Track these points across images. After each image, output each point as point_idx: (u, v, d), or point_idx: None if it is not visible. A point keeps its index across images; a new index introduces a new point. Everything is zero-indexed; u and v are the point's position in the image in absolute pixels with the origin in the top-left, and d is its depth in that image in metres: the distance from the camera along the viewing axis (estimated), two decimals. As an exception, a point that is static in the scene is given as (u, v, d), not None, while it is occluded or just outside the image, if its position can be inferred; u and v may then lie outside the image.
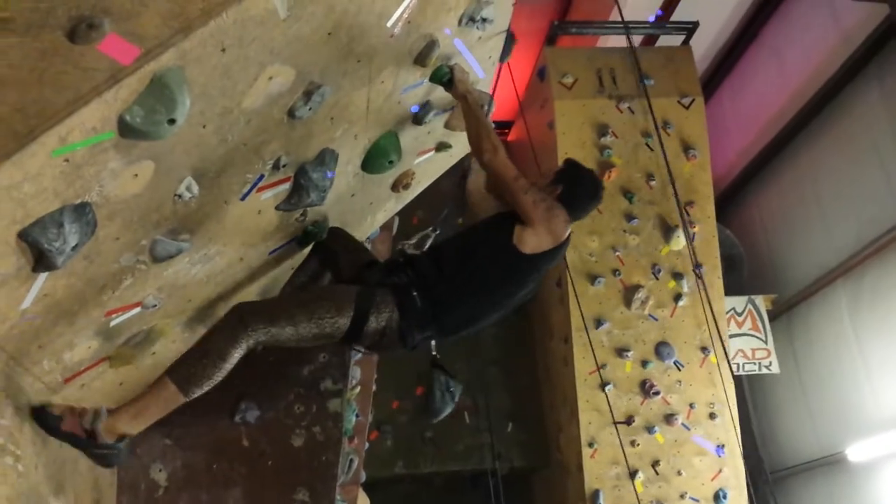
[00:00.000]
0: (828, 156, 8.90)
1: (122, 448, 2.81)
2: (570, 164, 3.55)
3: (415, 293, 3.14)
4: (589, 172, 3.53)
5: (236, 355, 2.87)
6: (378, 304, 3.08)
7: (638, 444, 7.99)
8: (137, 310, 3.01)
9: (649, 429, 8.05)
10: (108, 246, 2.50)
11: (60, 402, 2.89)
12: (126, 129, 2.13)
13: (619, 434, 7.31)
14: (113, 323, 2.94)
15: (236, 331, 2.87)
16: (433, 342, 3.31)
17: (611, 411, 7.32)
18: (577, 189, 3.42)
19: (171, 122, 2.20)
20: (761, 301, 9.55)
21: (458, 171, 6.77)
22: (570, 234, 3.38)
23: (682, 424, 8.09)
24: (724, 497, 8.05)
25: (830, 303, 8.87)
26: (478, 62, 3.57)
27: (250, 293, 3.92)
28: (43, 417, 2.73)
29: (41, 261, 2.22)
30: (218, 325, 2.96)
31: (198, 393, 2.85)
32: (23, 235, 2.12)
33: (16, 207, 2.03)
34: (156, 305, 3.08)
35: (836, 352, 8.76)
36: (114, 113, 2.07)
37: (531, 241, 3.21)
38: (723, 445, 8.11)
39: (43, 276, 2.31)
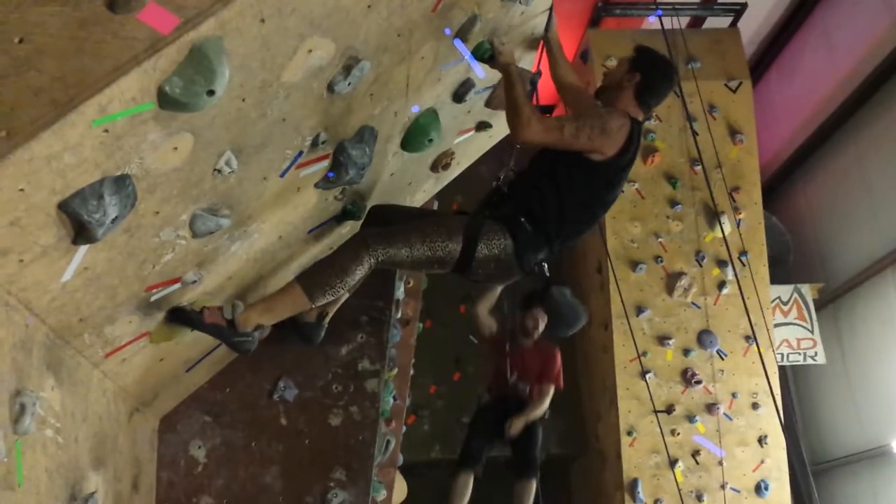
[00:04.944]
0: (878, 142, 8.67)
1: (256, 336, 3.15)
2: (643, 51, 3.58)
3: (523, 219, 3.29)
4: (662, 56, 3.61)
5: (358, 272, 3.12)
6: (487, 233, 3.24)
7: (678, 434, 7.90)
8: (177, 285, 3.01)
9: (690, 418, 7.95)
10: (149, 220, 2.50)
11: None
12: (165, 100, 2.11)
13: (659, 423, 7.21)
14: (153, 298, 2.95)
15: (359, 249, 3.12)
16: (545, 265, 3.47)
17: (651, 400, 7.23)
18: (655, 75, 3.50)
19: (211, 93, 2.18)
20: (808, 290, 9.36)
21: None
22: (641, 121, 3.47)
23: (724, 414, 7.97)
24: (766, 488, 7.93)
25: (879, 292, 8.65)
26: (478, 63, 3.50)
27: (289, 272, 3.92)
28: (184, 315, 3.07)
29: (81, 233, 2.22)
30: (344, 244, 3.23)
31: (321, 301, 3.14)
32: (63, 207, 2.11)
33: (56, 178, 2.02)
34: (196, 281, 3.08)
35: (884, 342, 8.55)
36: (153, 83, 2.05)
37: (598, 156, 3.32)
38: (765, 436, 7.98)
39: (83, 248, 2.31)
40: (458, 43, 3.30)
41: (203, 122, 2.32)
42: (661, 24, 6.47)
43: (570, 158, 3.33)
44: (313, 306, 3.21)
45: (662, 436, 7.17)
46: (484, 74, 3.57)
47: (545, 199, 3.33)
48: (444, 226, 3.26)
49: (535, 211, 3.32)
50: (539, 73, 4.00)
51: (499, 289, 6.20)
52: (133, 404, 3.58)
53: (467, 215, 3.39)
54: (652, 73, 3.49)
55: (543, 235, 3.34)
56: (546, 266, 3.43)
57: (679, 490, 7.07)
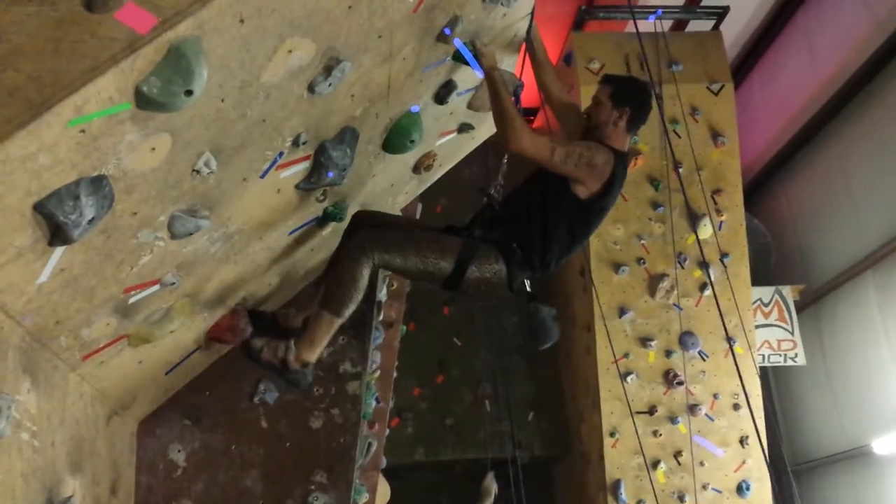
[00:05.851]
0: (859, 144, 8.73)
1: (306, 372, 3.38)
2: (620, 82, 3.70)
3: (514, 245, 3.42)
4: (640, 84, 3.75)
5: (365, 275, 3.26)
6: (480, 257, 3.36)
7: (660, 435, 7.92)
8: (156, 287, 2.99)
9: (672, 419, 7.97)
10: (126, 221, 2.48)
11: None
12: (143, 100, 2.09)
13: (635, 424, 7.21)
14: (131, 300, 2.92)
15: (358, 255, 3.25)
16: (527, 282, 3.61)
17: (627, 402, 7.22)
18: (641, 104, 3.62)
19: (189, 93, 2.16)
20: (789, 291, 9.41)
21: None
22: (626, 153, 3.58)
23: (706, 415, 8.01)
24: (748, 489, 7.97)
25: (859, 294, 8.72)
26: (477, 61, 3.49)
27: (270, 276, 3.90)
28: (247, 348, 3.38)
29: (57, 234, 2.19)
30: (342, 254, 3.38)
31: (349, 312, 3.29)
32: (38, 208, 2.09)
33: (31, 179, 2.00)
34: (174, 283, 3.05)
35: (864, 344, 8.62)
36: (130, 83, 2.03)
37: (583, 191, 3.42)
38: (747, 437, 8.02)
39: (59, 250, 2.29)
40: (457, 43, 3.29)
41: (181, 123, 2.30)
42: (655, 26, 6.52)
43: (560, 188, 3.39)
44: (343, 319, 3.32)
45: (638, 437, 7.19)
46: (483, 74, 3.56)
47: (533, 227, 3.43)
48: (439, 243, 3.36)
49: (523, 237, 3.44)
50: (522, 84, 3.99)
51: (494, 488, 6.70)
52: (111, 408, 3.54)
53: (462, 237, 3.46)
54: (638, 104, 3.59)
55: (529, 260, 3.46)
56: (528, 283, 3.53)
57: (654, 491, 7.09)
